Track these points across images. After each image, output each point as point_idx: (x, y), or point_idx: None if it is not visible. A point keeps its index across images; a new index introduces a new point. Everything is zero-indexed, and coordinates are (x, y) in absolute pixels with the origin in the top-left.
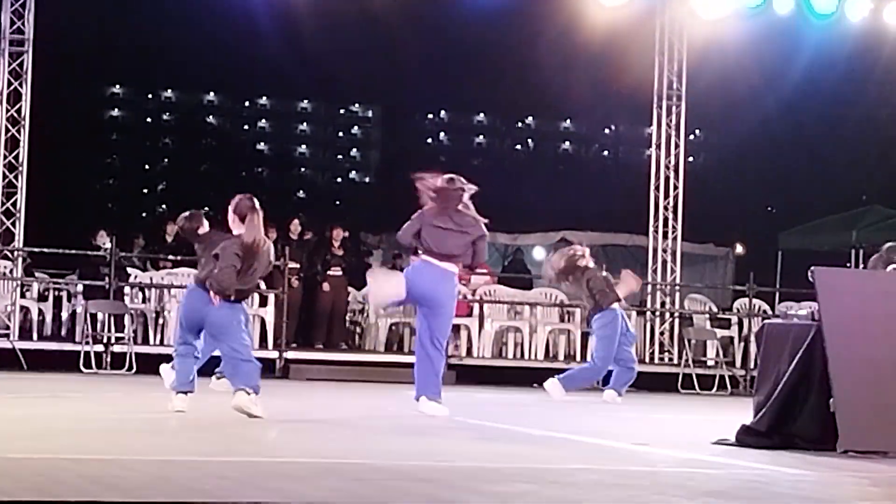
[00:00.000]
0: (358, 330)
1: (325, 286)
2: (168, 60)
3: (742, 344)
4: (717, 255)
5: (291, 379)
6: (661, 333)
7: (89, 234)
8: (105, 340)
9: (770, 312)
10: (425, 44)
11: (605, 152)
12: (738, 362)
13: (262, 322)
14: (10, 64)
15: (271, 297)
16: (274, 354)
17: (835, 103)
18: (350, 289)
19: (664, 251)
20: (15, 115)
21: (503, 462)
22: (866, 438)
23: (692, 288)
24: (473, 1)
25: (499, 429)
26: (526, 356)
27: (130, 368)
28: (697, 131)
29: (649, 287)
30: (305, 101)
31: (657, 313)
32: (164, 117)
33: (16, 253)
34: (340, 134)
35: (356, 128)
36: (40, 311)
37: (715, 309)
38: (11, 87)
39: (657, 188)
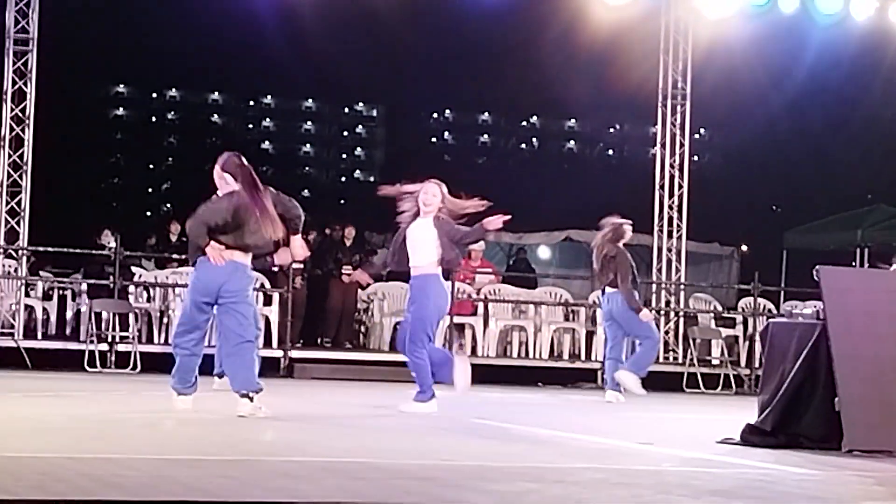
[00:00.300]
0: (363, 329)
1: (345, 278)
2: (172, 60)
3: (747, 343)
4: (722, 254)
5: (296, 378)
6: (666, 332)
7: (94, 233)
8: (109, 339)
9: (775, 311)
10: (429, 43)
11: (610, 151)
12: (743, 361)
13: (266, 321)
14: (14, 63)
15: (276, 297)
16: (278, 353)
17: (840, 102)
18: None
19: (669, 250)
20: (19, 114)
21: (507, 461)
22: (871, 437)
23: (697, 287)
24: (477, 0)
25: (503, 428)
26: (530, 355)
27: (135, 367)
28: (702, 130)
29: (654, 286)
30: (310, 101)
31: (662, 312)
32: (169, 116)
33: (20, 252)
34: (345, 133)
35: (360, 127)
36: (45, 310)
37: (720, 308)
38: (16, 87)
39: (662, 187)
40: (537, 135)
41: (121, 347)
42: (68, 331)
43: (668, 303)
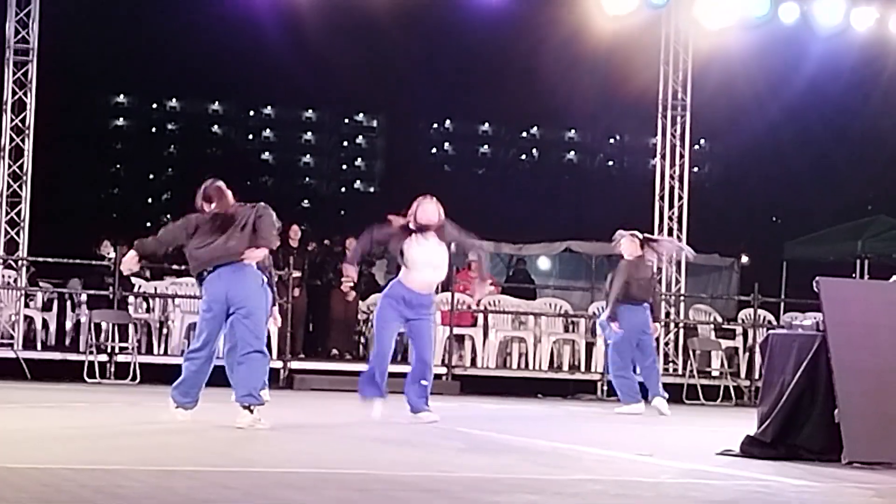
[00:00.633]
0: (362, 340)
1: (345, 288)
2: (173, 70)
3: (747, 354)
4: (722, 265)
5: (296, 389)
6: (666, 344)
7: (93, 243)
8: (109, 350)
9: (775, 323)
10: (430, 53)
11: (610, 162)
12: (743, 373)
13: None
14: (14, 73)
15: (275, 308)
16: (278, 364)
17: (840, 113)
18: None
19: (669, 261)
20: (20, 124)
21: (506, 472)
22: (871, 449)
23: (697, 298)
24: (478, 10)
25: (502, 439)
26: (530, 366)
27: (134, 378)
28: (702, 141)
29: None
30: (310, 111)
31: (662, 324)
32: (169, 127)
33: (20, 262)
34: (345, 143)
35: (361, 137)
36: (44, 321)
37: (720, 319)
38: (16, 97)
39: (662, 198)
40: (537, 145)
41: (120, 358)
42: (68, 341)
43: (667, 314)
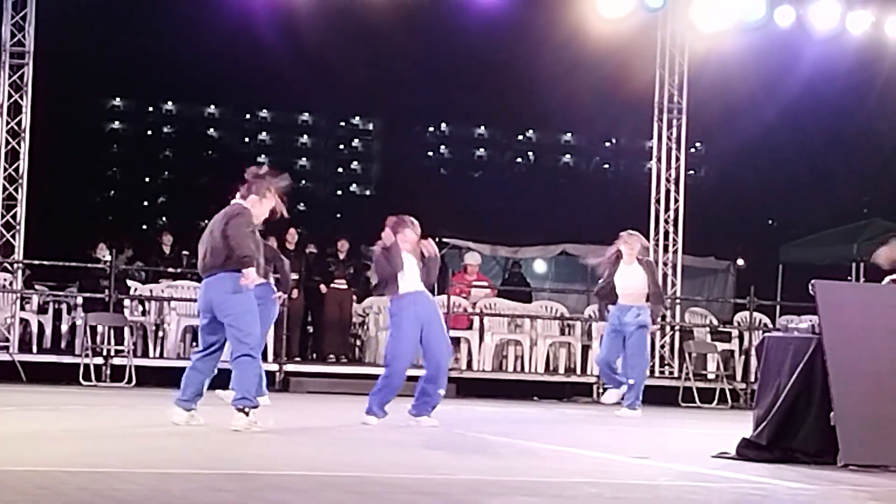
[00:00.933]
0: (358, 343)
1: (323, 288)
2: (169, 73)
3: (742, 357)
4: (718, 268)
5: (291, 392)
6: (662, 347)
7: (89, 246)
8: (105, 353)
9: (771, 326)
10: (426, 56)
11: (606, 165)
12: (739, 376)
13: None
14: (10, 76)
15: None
16: (274, 367)
17: (836, 116)
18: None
19: (665, 264)
20: (15, 127)
21: (504, 475)
22: (867, 452)
23: (693, 301)
24: (475, 14)
25: (499, 442)
26: (526, 369)
27: (130, 381)
28: (698, 144)
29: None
30: (306, 114)
31: (658, 327)
32: (165, 130)
33: (16, 265)
34: (341, 147)
35: (357, 140)
36: (40, 324)
37: (715, 322)
38: (12, 100)
39: (658, 201)
40: (533, 149)
41: (116, 361)
42: (63, 344)
43: (663, 317)
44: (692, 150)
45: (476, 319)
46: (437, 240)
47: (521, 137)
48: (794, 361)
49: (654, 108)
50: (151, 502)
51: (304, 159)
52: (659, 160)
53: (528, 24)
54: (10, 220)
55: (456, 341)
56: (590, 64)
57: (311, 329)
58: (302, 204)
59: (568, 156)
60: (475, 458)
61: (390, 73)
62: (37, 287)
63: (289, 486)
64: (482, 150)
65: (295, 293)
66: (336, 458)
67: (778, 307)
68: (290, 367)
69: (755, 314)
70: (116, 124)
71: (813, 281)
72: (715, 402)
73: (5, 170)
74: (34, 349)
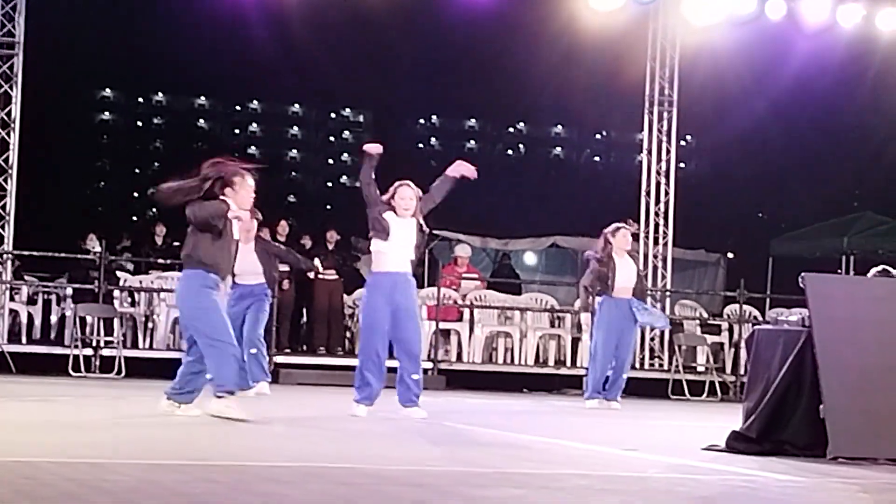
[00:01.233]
0: (348, 335)
1: (285, 284)
2: (159, 64)
3: (732, 350)
4: (708, 260)
5: (281, 383)
6: (652, 339)
7: (79, 237)
8: (94, 344)
9: (761, 318)
10: (417, 48)
11: (597, 158)
12: (729, 368)
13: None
14: (0, 66)
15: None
16: None
17: (827, 109)
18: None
19: (655, 257)
20: (5, 117)
21: (492, 467)
22: (856, 445)
23: (683, 294)
24: (466, 6)
25: (488, 434)
26: (516, 361)
27: (119, 372)
28: (689, 137)
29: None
30: (296, 106)
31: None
32: (155, 121)
33: (5, 256)
34: (332, 138)
35: (347, 132)
36: (29, 315)
37: (705, 315)
38: (2, 90)
39: (648, 194)
40: (524, 141)
41: (105, 352)
42: (53, 335)
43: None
44: (683, 143)
45: (466, 311)
46: (427, 232)
47: (511, 130)
48: (783, 354)
49: (645, 100)
50: (140, 493)
51: (294, 151)
52: (650, 153)
53: (520, 17)
54: (0, 211)
55: (446, 333)
56: (581, 57)
57: (304, 320)
58: (292, 195)
59: (559, 148)
60: (464, 449)
61: (381, 65)
62: (26, 278)
63: (278, 477)
64: (472, 142)
65: (286, 284)
66: (325, 450)
67: (768, 300)
68: (279, 359)
69: (745, 307)
70: (106, 115)
71: (803, 274)
72: (704, 394)
73: None
74: (23, 340)
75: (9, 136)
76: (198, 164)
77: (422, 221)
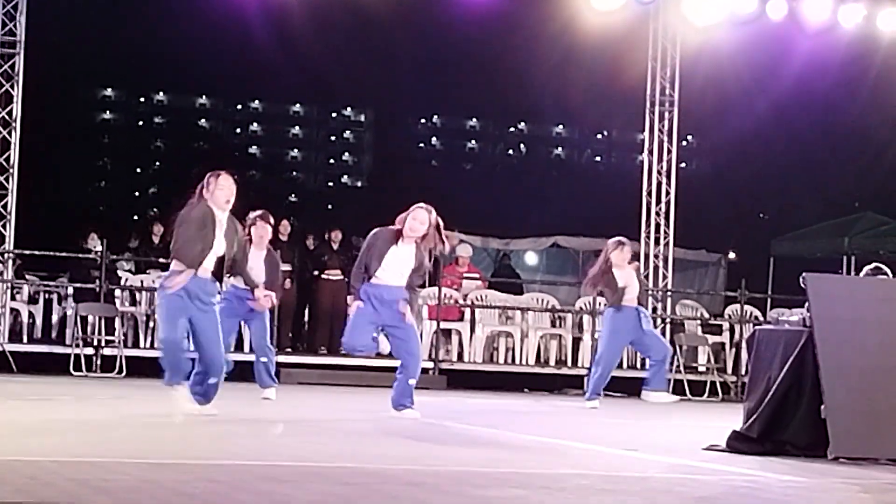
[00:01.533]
0: None
1: (287, 283)
2: (160, 63)
3: (733, 350)
4: (709, 261)
5: (283, 383)
6: None
7: (80, 236)
8: (95, 343)
9: (762, 319)
10: (418, 48)
11: (598, 158)
12: (730, 368)
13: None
14: (1, 66)
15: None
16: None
17: (828, 110)
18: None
19: (656, 257)
20: (6, 116)
21: (493, 467)
22: (857, 445)
23: (684, 294)
24: (467, 6)
25: (489, 433)
26: (517, 361)
27: (120, 372)
28: (690, 137)
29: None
30: (298, 105)
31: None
32: (156, 120)
33: (6, 255)
34: (333, 138)
35: (348, 132)
36: (30, 314)
37: (707, 315)
38: (3, 89)
39: (649, 194)
40: (525, 141)
41: (106, 351)
42: (54, 334)
43: (654, 309)
44: (684, 142)
45: (467, 311)
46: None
47: (512, 130)
48: (784, 354)
49: (646, 100)
50: (141, 493)
51: (295, 150)
52: (651, 153)
53: (521, 16)
54: (1, 210)
55: (447, 333)
56: (582, 56)
57: (306, 320)
58: (293, 195)
59: (560, 148)
60: (464, 449)
61: (382, 65)
62: (27, 277)
63: (279, 476)
64: (474, 142)
65: (288, 283)
66: (326, 449)
67: (769, 300)
68: (280, 358)
69: (746, 307)
70: (107, 114)
71: (804, 274)
72: (705, 394)
73: None
74: (24, 339)
75: (10, 136)
76: (198, 164)
77: (425, 254)
